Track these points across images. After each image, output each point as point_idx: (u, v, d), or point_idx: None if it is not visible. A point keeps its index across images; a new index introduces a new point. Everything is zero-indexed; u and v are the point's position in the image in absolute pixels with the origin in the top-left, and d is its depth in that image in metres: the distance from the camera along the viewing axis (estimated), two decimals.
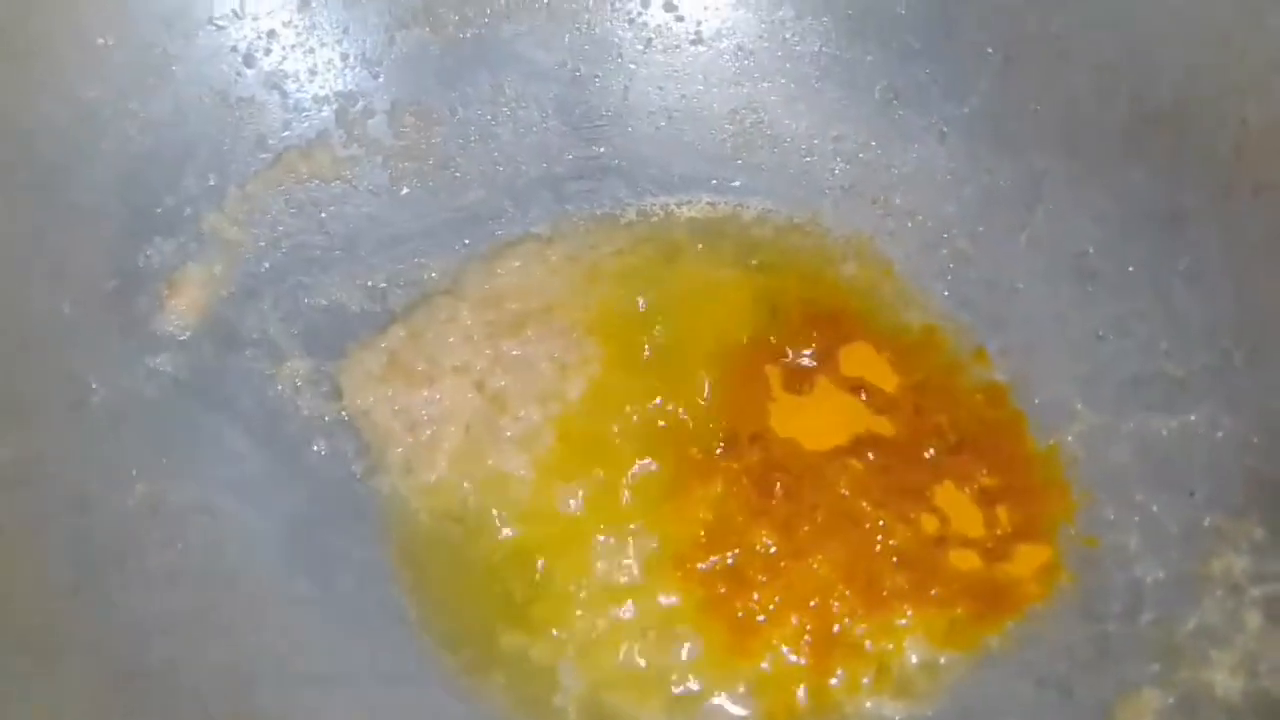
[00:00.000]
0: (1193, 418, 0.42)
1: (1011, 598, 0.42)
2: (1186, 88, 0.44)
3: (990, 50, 0.48)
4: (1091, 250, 0.47)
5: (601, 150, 0.51)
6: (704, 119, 0.52)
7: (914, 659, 0.41)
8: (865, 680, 0.40)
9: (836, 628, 0.41)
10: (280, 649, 0.39)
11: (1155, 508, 0.41)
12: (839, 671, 0.40)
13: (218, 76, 0.45)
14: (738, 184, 0.51)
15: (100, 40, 0.41)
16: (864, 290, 0.50)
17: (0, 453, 0.36)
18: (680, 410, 0.46)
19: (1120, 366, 0.45)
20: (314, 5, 0.47)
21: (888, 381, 0.47)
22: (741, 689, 0.40)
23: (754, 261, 0.50)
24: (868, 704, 0.40)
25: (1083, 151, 0.47)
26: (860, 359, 0.48)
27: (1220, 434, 0.41)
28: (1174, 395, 0.43)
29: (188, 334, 0.43)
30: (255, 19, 0.45)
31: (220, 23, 0.45)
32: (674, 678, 0.40)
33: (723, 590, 0.42)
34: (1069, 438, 0.45)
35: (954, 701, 0.40)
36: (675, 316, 0.49)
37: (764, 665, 0.40)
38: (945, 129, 0.50)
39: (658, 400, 0.46)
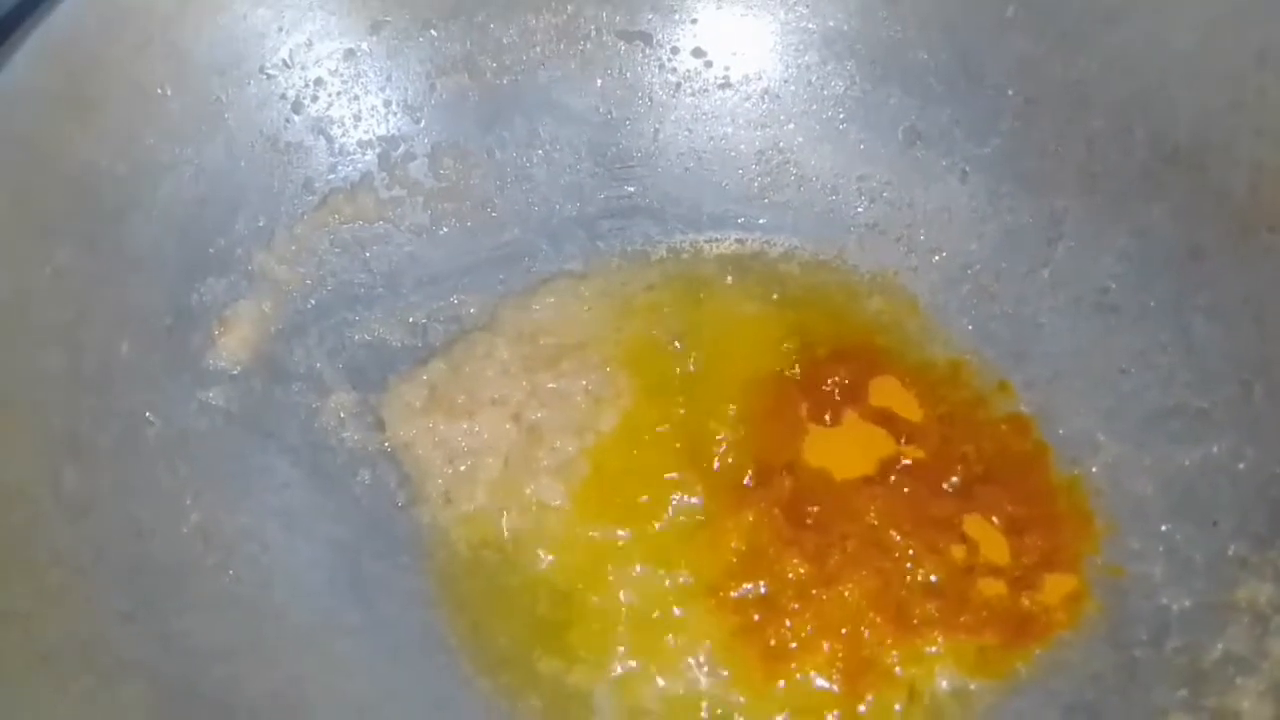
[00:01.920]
0: (1215, 449, 0.43)
1: (1039, 626, 0.43)
2: (1203, 129, 0.45)
3: (1011, 93, 0.50)
4: (1113, 286, 0.48)
5: (633, 190, 0.53)
6: (732, 160, 0.54)
7: (944, 685, 0.42)
8: (897, 707, 0.41)
9: (867, 655, 0.42)
10: (327, 674, 0.40)
11: (1179, 537, 0.42)
12: (869, 698, 0.41)
13: (268, 123, 0.47)
14: (765, 222, 0.53)
15: (159, 90, 0.43)
16: (890, 325, 0.51)
17: (65, 484, 0.37)
18: (711, 441, 0.47)
19: (1142, 399, 0.46)
20: (359, 54, 0.49)
21: (914, 414, 0.48)
22: (776, 715, 0.41)
23: (779, 297, 0.51)
24: None
25: (1102, 190, 0.48)
26: (887, 392, 0.49)
27: (1242, 465, 0.42)
28: (1196, 427, 0.44)
29: (238, 369, 0.45)
30: (304, 68, 0.47)
31: (271, 72, 0.47)
32: (707, 703, 0.41)
33: (756, 618, 0.43)
34: (1093, 469, 0.46)
35: None
36: (705, 350, 0.50)
37: (796, 692, 0.41)
38: (967, 169, 0.51)
39: (689, 431, 0.47)
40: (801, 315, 0.51)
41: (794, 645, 0.42)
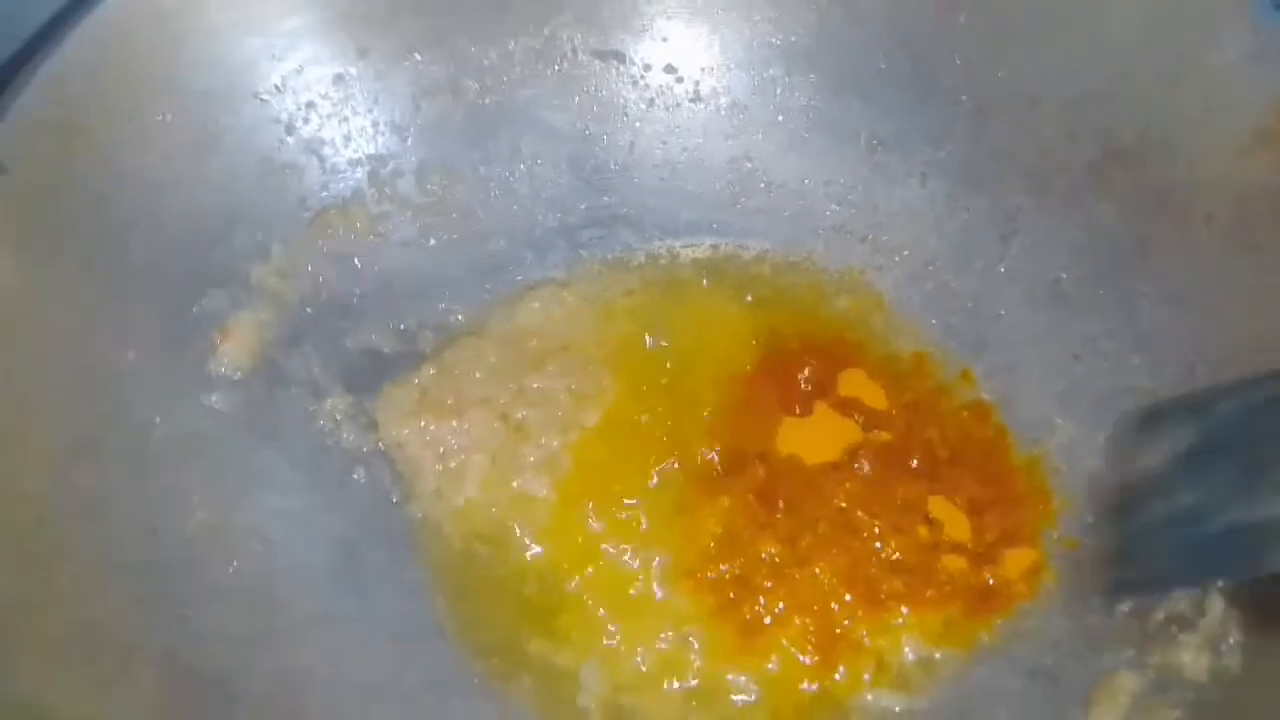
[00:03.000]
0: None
1: (1001, 598, 0.45)
2: (1143, 128, 0.48)
3: (964, 99, 0.52)
4: (1065, 277, 0.51)
5: (611, 200, 0.56)
6: (704, 169, 0.56)
7: (911, 655, 0.44)
8: (866, 676, 0.44)
9: (838, 628, 0.44)
10: (328, 660, 0.43)
11: None
12: (841, 668, 0.44)
13: (262, 144, 0.50)
14: (737, 227, 0.56)
15: (159, 117, 0.46)
16: (857, 321, 0.54)
17: (76, 483, 0.40)
18: (689, 434, 0.49)
19: (1095, 382, 0.48)
20: (347, 79, 0.51)
21: (881, 403, 0.51)
22: (750, 685, 0.43)
23: (752, 298, 0.54)
24: (868, 697, 0.43)
25: (1052, 188, 0.51)
26: (855, 383, 0.51)
27: None
28: (1144, 407, 0.47)
29: (239, 375, 0.47)
30: (295, 92, 0.50)
31: (264, 97, 0.49)
32: (688, 677, 0.44)
33: (731, 596, 0.45)
34: (1050, 449, 0.48)
35: (949, 694, 0.43)
36: (683, 350, 0.53)
37: (771, 664, 0.44)
38: (926, 172, 0.54)
39: (668, 425, 0.50)
40: (773, 314, 0.54)
41: (769, 621, 0.44)
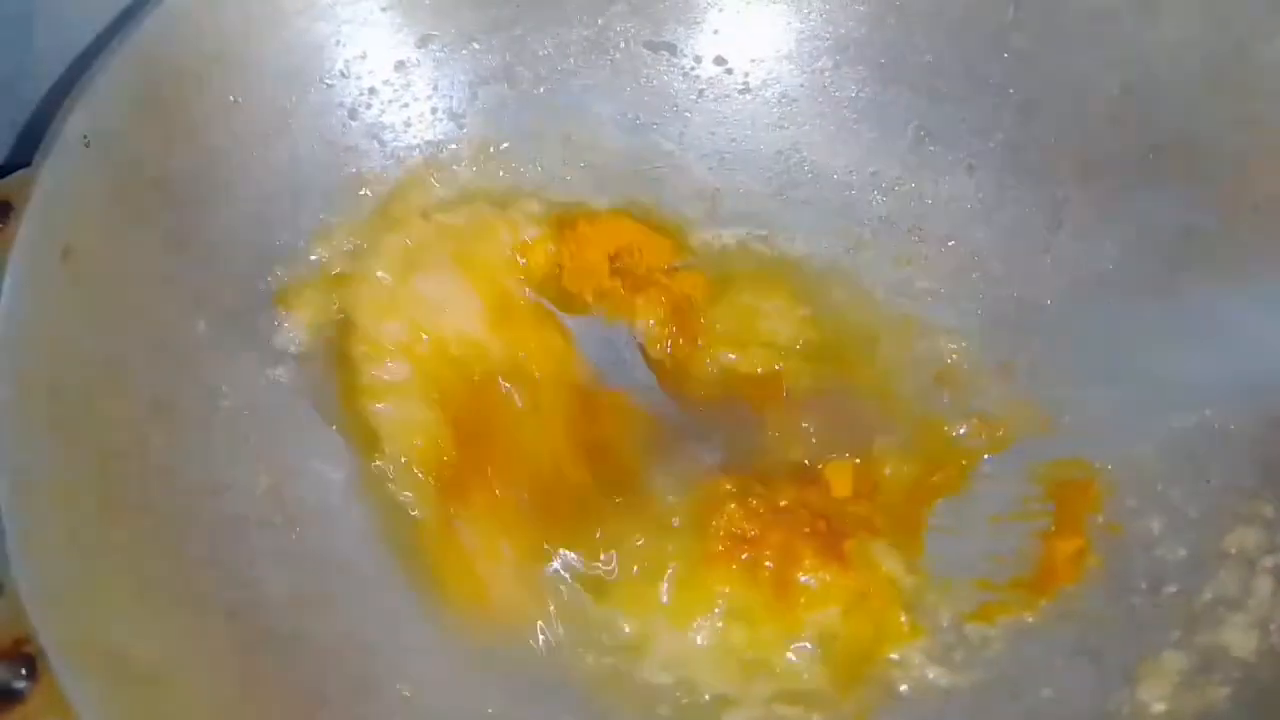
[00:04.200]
0: (1208, 413, 0.46)
1: (1045, 581, 0.46)
2: (1189, 119, 0.49)
3: (1012, 91, 0.53)
4: (1111, 268, 0.51)
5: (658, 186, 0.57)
6: (752, 160, 0.57)
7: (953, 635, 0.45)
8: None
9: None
10: (390, 623, 0.44)
11: (1175, 495, 0.45)
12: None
13: (327, 128, 0.51)
14: (784, 217, 0.57)
15: (230, 98, 0.48)
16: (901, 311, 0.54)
17: (154, 441, 0.41)
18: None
19: (1141, 369, 0.49)
20: (408, 66, 0.53)
21: None
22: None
23: (795, 288, 0.55)
24: (915, 674, 0.44)
25: (1100, 179, 0.51)
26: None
27: (1233, 426, 0.45)
28: (1191, 394, 0.47)
29: (302, 349, 0.49)
30: (359, 78, 0.52)
31: (329, 81, 0.51)
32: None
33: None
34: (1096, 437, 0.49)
35: (993, 672, 0.43)
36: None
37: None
38: (973, 163, 0.55)
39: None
40: (816, 307, 0.55)
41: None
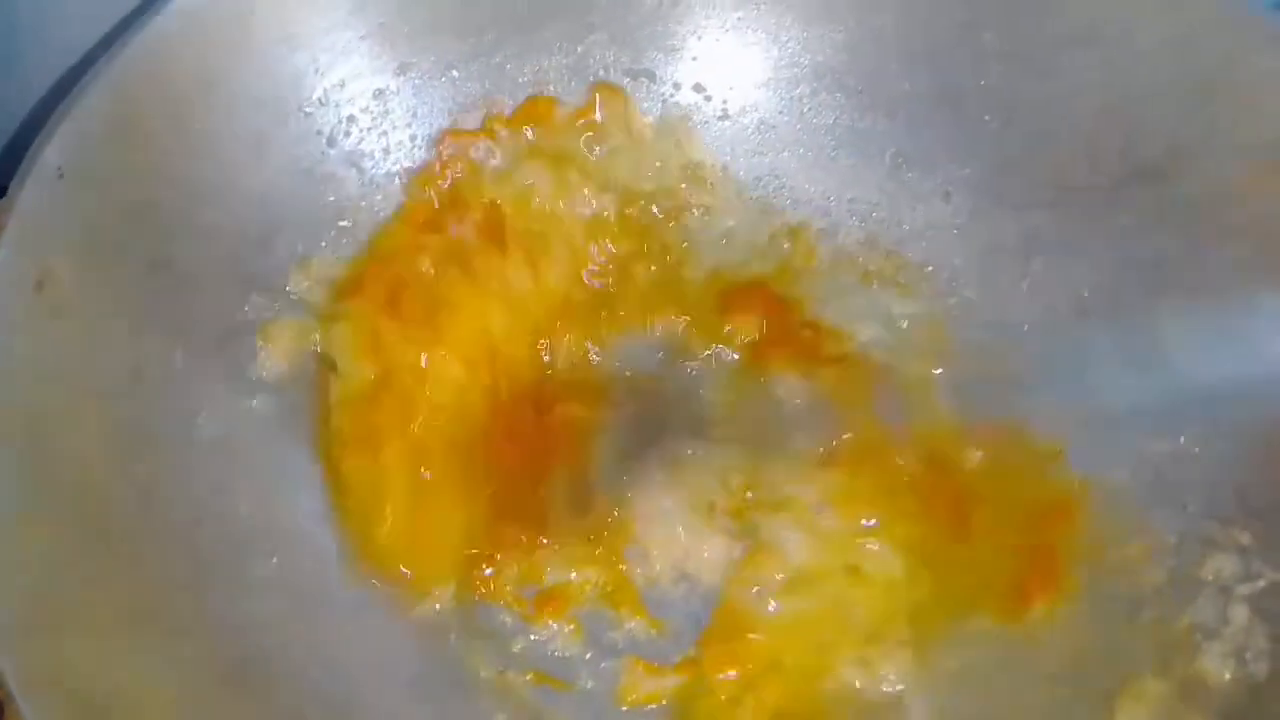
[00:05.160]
0: (1183, 439, 0.46)
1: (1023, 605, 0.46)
2: (1166, 145, 0.49)
3: (987, 118, 0.54)
4: (1086, 293, 0.52)
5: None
6: (731, 185, 0.58)
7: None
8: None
9: None
10: (368, 652, 0.44)
11: (1153, 520, 0.45)
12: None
13: (305, 156, 0.51)
14: (761, 242, 0.57)
15: (208, 127, 0.47)
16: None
17: (132, 472, 0.41)
18: None
19: (1116, 394, 0.49)
20: (387, 94, 0.53)
21: None
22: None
23: None
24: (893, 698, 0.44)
25: (1074, 205, 0.52)
26: None
27: (1209, 452, 0.46)
28: (1167, 420, 0.47)
29: (279, 379, 0.48)
30: (338, 106, 0.52)
31: (308, 109, 0.51)
32: None
33: None
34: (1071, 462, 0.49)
35: (970, 696, 0.43)
36: None
37: None
38: (950, 189, 0.55)
39: None
40: None
41: None
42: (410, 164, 0.54)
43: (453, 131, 0.53)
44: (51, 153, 0.41)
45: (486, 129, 0.54)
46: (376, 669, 0.43)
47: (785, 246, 0.56)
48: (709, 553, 0.48)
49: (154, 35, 0.45)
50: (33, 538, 0.37)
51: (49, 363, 0.40)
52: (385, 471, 0.46)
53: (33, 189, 0.40)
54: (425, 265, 0.51)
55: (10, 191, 0.40)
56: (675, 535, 0.48)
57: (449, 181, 0.53)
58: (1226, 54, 0.47)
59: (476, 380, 0.50)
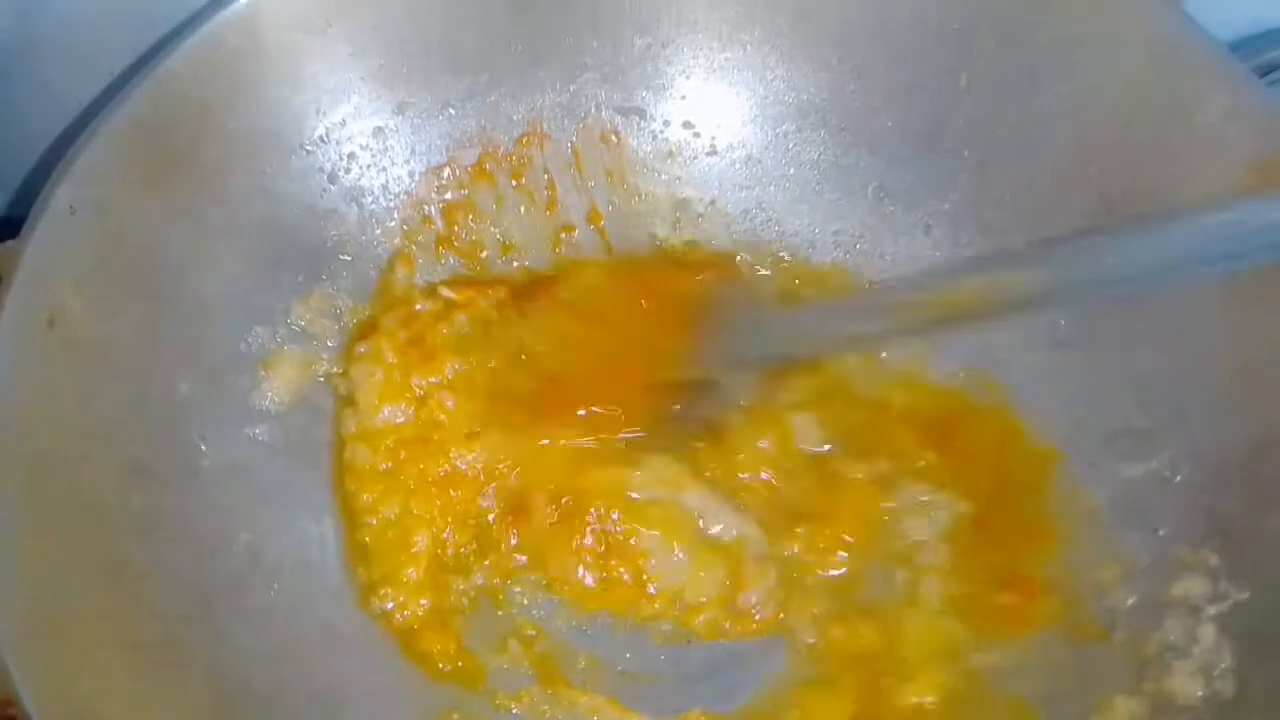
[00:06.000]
0: (1155, 464, 0.48)
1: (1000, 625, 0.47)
2: (1134, 180, 0.51)
3: (966, 154, 0.55)
4: (1064, 323, 0.53)
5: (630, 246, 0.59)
6: (719, 218, 0.59)
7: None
8: None
9: None
10: (363, 680, 0.45)
11: (1126, 543, 0.47)
12: None
13: (307, 192, 0.53)
14: (748, 273, 0.58)
15: (214, 164, 0.49)
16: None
17: (133, 502, 0.42)
18: None
19: (1094, 422, 0.51)
20: (386, 131, 0.55)
21: None
22: None
23: None
24: None
25: (1051, 235, 0.54)
26: None
27: (1179, 477, 0.47)
28: (1139, 446, 0.49)
29: (281, 408, 0.50)
30: (339, 144, 0.54)
31: (309, 148, 0.53)
32: None
33: None
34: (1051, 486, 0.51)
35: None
36: None
37: None
38: (930, 223, 0.57)
39: None
40: None
41: None
42: (409, 200, 0.56)
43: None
44: (63, 193, 0.43)
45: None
46: (372, 700, 0.44)
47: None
48: None
49: (162, 78, 0.47)
50: (38, 568, 0.38)
51: (59, 395, 0.42)
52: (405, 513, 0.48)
53: (46, 227, 0.42)
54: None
55: (22, 233, 0.42)
56: None
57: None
58: (1190, 92, 0.49)
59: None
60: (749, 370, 0.52)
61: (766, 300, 0.56)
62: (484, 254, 0.57)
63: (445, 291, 0.53)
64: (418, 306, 0.52)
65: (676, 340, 0.52)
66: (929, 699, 0.45)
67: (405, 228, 0.56)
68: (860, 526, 0.49)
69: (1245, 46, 0.58)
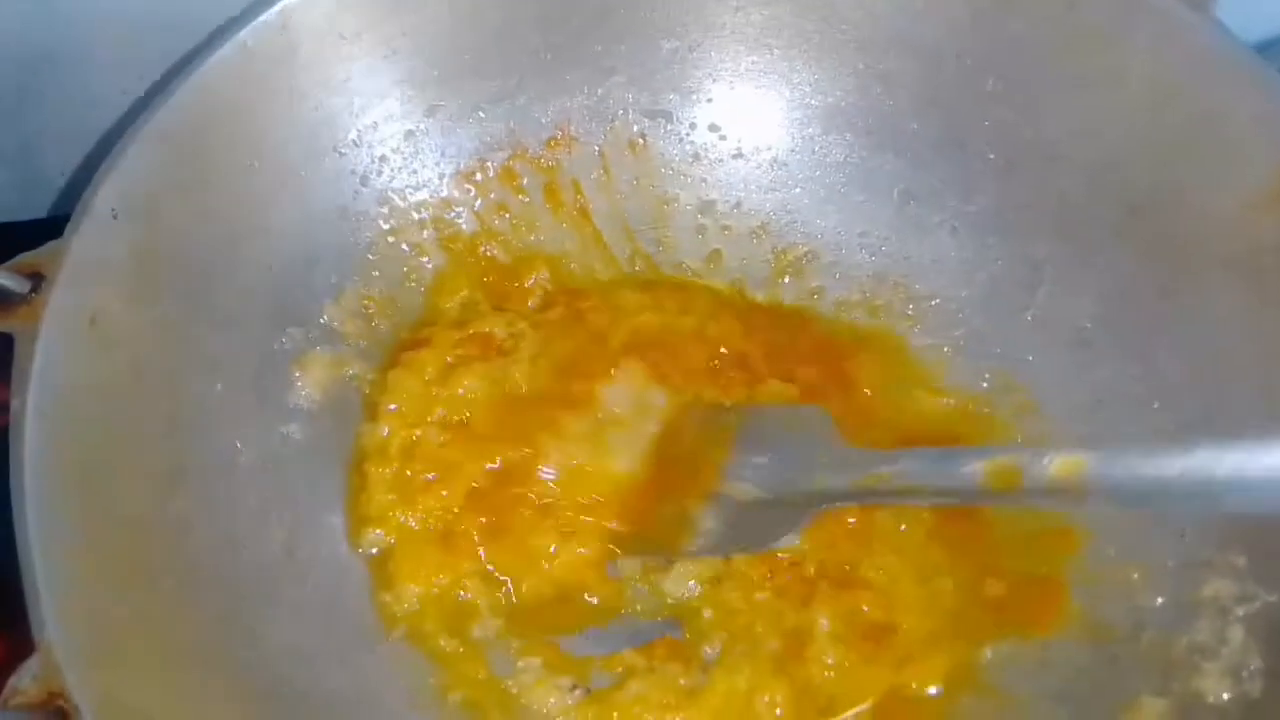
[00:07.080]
0: None
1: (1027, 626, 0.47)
2: (1158, 183, 0.51)
3: (992, 156, 0.56)
4: (1089, 325, 0.53)
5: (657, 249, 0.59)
6: (745, 220, 0.60)
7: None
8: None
9: None
10: (395, 677, 0.46)
11: (1152, 544, 0.47)
12: None
13: (339, 194, 0.54)
14: (773, 275, 0.59)
15: (250, 165, 0.50)
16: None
17: (170, 506, 0.43)
18: None
19: (1117, 425, 0.51)
20: (417, 134, 0.56)
21: None
22: None
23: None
24: None
25: (1076, 240, 0.54)
26: None
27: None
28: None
29: (314, 407, 0.51)
30: (370, 146, 0.54)
31: (342, 150, 0.54)
32: None
33: None
34: None
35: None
36: None
37: None
38: (956, 225, 0.57)
39: None
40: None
41: None
42: (440, 202, 0.56)
43: None
44: (105, 195, 0.44)
45: None
46: (402, 698, 0.45)
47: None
48: None
49: (199, 82, 0.47)
50: (83, 570, 0.38)
51: (100, 394, 0.43)
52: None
53: (88, 230, 0.43)
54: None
55: (66, 233, 0.43)
56: None
57: None
58: (1218, 98, 0.49)
59: None
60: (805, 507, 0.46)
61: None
62: (513, 257, 0.58)
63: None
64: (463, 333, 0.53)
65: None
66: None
67: (435, 229, 0.56)
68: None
69: (1271, 49, 0.58)
